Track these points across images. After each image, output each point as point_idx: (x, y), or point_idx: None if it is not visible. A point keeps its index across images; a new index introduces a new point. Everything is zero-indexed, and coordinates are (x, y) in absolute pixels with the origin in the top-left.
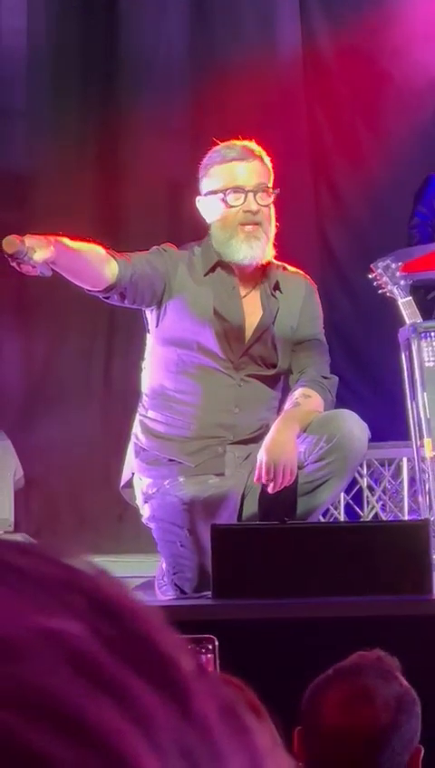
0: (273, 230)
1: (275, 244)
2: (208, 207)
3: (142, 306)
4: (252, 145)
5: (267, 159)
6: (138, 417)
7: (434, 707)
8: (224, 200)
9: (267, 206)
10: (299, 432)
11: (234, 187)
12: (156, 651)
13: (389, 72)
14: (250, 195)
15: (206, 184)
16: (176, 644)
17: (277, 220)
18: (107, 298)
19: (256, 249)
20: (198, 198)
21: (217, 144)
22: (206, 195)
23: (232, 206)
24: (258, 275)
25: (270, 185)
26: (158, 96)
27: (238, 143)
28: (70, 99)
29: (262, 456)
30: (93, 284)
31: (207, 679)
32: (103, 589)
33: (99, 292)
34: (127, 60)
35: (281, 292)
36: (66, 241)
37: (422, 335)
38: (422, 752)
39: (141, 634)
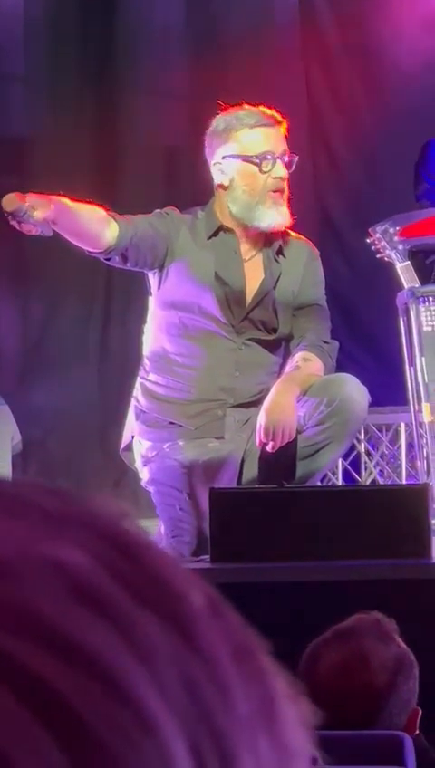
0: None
1: None
2: (228, 171)
3: (145, 269)
4: (272, 112)
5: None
6: (139, 380)
7: (432, 670)
8: (257, 165)
9: (291, 172)
10: (299, 395)
11: (265, 152)
12: (166, 586)
13: (388, 37)
14: (278, 161)
15: (228, 148)
16: (189, 582)
17: None
18: (108, 259)
19: (283, 215)
20: (214, 162)
21: (223, 107)
22: (226, 158)
23: (264, 172)
24: (261, 240)
25: None
26: (155, 61)
27: (257, 109)
28: (68, 63)
29: (261, 417)
30: (94, 245)
31: (221, 619)
32: (120, 528)
33: (100, 253)
34: (124, 24)
35: (284, 257)
36: (67, 201)
37: (420, 300)
38: (420, 713)
39: (153, 570)
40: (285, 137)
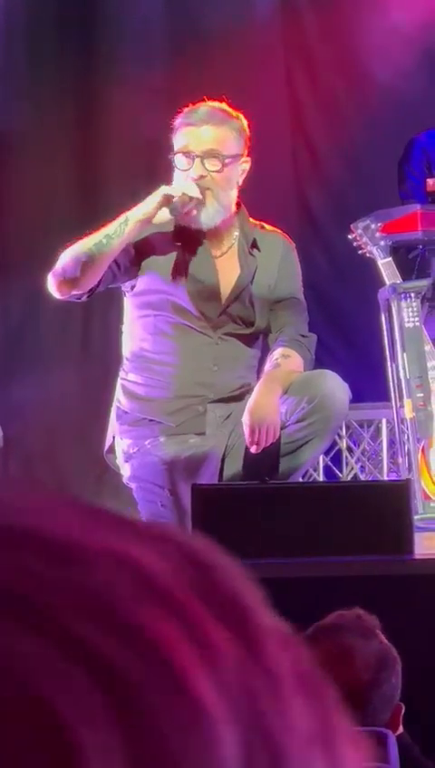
0: (230, 195)
1: (240, 203)
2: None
3: (124, 279)
4: (220, 107)
5: (237, 124)
6: (119, 381)
7: (414, 665)
8: (174, 164)
9: (218, 171)
10: (281, 393)
11: (184, 151)
12: (238, 605)
13: (369, 32)
14: (198, 160)
15: (173, 143)
16: (261, 607)
17: (255, 182)
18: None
19: (200, 215)
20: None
21: (204, 101)
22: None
23: (180, 170)
24: (232, 234)
25: (235, 150)
26: (136, 57)
27: (205, 106)
28: (48, 59)
29: (245, 418)
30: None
31: (288, 645)
32: (201, 549)
33: (82, 294)
34: (105, 20)
35: (259, 251)
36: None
37: (402, 296)
38: (403, 709)
39: (227, 589)
40: (229, 135)
